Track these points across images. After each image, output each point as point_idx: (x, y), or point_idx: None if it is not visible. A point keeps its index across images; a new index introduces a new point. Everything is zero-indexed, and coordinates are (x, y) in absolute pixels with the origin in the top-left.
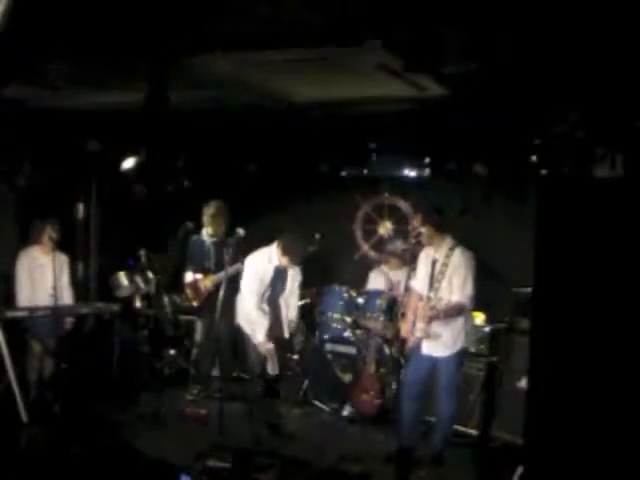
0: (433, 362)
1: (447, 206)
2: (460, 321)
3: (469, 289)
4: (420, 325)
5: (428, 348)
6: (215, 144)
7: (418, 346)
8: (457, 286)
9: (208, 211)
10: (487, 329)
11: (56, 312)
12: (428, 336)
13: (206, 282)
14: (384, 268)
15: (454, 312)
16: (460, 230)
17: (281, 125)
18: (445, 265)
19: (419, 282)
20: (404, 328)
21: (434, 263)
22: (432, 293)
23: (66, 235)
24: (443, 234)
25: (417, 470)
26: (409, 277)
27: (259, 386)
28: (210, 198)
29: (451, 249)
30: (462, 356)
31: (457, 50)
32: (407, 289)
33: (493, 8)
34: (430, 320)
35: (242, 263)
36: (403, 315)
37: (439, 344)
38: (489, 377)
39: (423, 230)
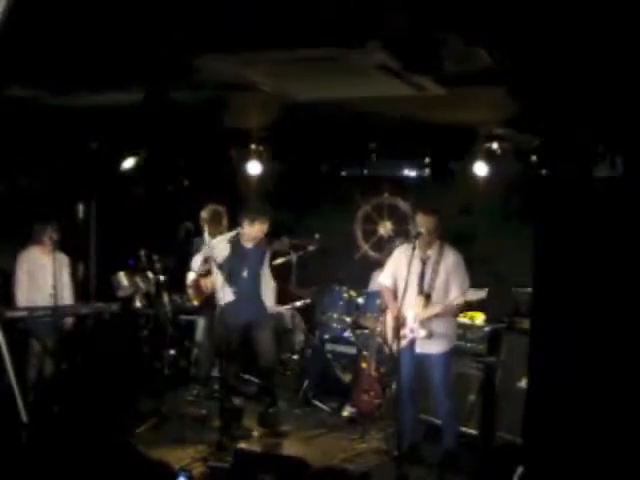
0: (425, 360)
1: (447, 206)
2: (455, 319)
3: (467, 286)
4: (420, 324)
5: (422, 347)
6: (214, 144)
7: (411, 344)
8: (457, 283)
9: (204, 216)
10: (487, 329)
11: (56, 312)
12: (430, 335)
13: (206, 282)
14: None
15: (461, 308)
16: (460, 229)
17: (282, 125)
18: (437, 263)
19: (410, 280)
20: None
21: (425, 262)
22: (427, 291)
23: (66, 235)
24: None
25: (417, 470)
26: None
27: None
28: (207, 202)
29: (442, 247)
30: (453, 353)
31: (457, 50)
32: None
33: (493, 9)
34: (429, 318)
35: None
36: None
37: (433, 342)
38: (489, 377)
39: (423, 230)
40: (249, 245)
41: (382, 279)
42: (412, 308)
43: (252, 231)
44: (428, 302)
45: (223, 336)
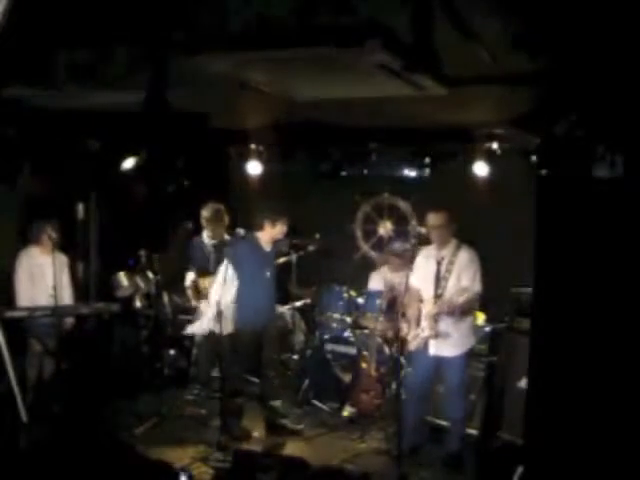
0: (439, 362)
1: (446, 206)
2: (469, 320)
3: (478, 286)
4: (428, 324)
5: (436, 348)
6: (214, 144)
7: (424, 346)
8: (467, 282)
9: (205, 214)
10: (487, 329)
11: (56, 312)
12: (437, 335)
13: (205, 282)
14: (385, 269)
15: (469, 307)
16: (460, 229)
17: (280, 125)
18: (451, 263)
19: (422, 281)
20: (405, 328)
21: (439, 262)
22: (439, 291)
23: (66, 235)
24: (452, 235)
25: (419, 471)
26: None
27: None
28: (207, 200)
29: (457, 247)
30: (469, 356)
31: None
32: (408, 289)
33: (492, 6)
34: (438, 318)
35: None
36: (404, 315)
37: (448, 344)
38: (489, 377)
39: (434, 230)
40: (268, 247)
41: (411, 280)
42: (425, 308)
43: (273, 232)
44: (438, 301)
45: (244, 337)
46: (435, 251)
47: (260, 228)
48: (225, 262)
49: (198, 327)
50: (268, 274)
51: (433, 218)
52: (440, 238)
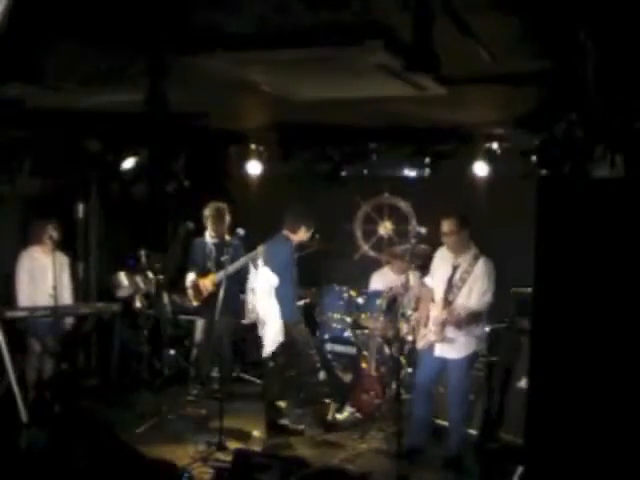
0: (444, 363)
1: (447, 206)
2: (478, 324)
3: (488, 298)
4: (435, 329)
5: (441, 350)
6: (214, 144)
7: (431, 347)
8: (478, 294)
9: (207, 213)
10: (487, 329)
11: (56, 312)
12: (442, 340)
13: (205, 282)
14: (387, 270)
15: (472, 320)
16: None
17: (280, 125)
18: (467, 272)
19: (436, 284)
20: (405, 328)
21: (455, 268)
22: (450, 297)
23: (66, 235)
24: (470, 241)
25: (419, 471)
26: (417, 276)
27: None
28: (209, 199)
29: (475, 257)
30: (473, 359)
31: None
32: (411, 288)
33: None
34: (445, 325)
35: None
36: (404, 315)
37: (453, 347)
38: (489, 377)
39: (442, 237)
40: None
41: (426, 279)
42: (434, 311)
43: (304, 236)
44: (447, 307)
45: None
46: (451, 256)
47: (294, 231)
48: (262, 268)
49: (270, 344)
50: (295, 274)
51: (444, 225)
52: (454, 245)
